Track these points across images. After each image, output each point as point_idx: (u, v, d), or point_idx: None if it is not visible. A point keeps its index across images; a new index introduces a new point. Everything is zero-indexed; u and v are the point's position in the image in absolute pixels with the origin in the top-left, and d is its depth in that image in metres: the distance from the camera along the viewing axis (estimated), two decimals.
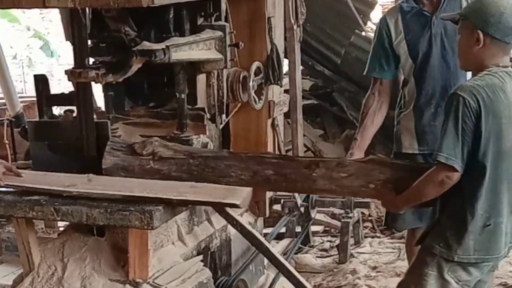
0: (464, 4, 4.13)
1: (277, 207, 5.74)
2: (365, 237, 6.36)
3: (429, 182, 3.16)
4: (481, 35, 3.12)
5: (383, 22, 4.38)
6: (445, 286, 3.23)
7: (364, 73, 4.54)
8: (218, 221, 4.42)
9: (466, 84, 3.13)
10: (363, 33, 8.20)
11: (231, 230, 4.53)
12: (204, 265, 3.99)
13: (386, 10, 10.86)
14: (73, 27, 3.62)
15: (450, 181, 3.09)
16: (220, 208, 3.61)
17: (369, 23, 9.42)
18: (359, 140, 4.37)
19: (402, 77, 4.55)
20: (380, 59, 4.40)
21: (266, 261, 4.92)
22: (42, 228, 5.92)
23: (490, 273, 3.45)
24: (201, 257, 4.08)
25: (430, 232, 3.30)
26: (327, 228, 6.58)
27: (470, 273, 3.24)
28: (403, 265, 5.53)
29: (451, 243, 3.18)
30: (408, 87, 4.42)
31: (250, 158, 3.58)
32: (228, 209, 4.37)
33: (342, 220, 5.85)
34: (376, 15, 9.92)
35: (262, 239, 4.49)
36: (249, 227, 4.41)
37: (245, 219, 4.67)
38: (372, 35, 9.05)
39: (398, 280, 5.20)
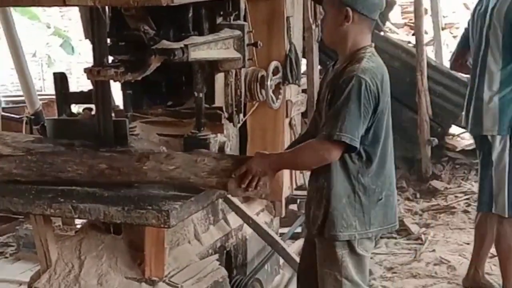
0: None
1: (293, 207, 5.74)
2: (381, 238, 6.33)
3: (315, 153, 3.15)
4: (350, 12, 3.17)
5: None
6: (360, 258, 3.34)
7: None
8: (235, 220, 4.43)
9: (364, 66, 3.12)
10: (382, 33, 8.17)
11: (247, 230, 4.54)
12: (219, 264, 4.00)
13: (406, 10, 10.90)
14: (93, 25, 3.64)
15: (331, 157, 3.13)
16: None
17: (387, 23, 9.39)
18: None
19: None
20: None
21: (281, 260, 4.93)
22: (60, 226, 5.95)
23: None
24: (217, 256, 4.10)
25: (326, 221, 3.29)
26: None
27: (372, 241, 3.40)
28: (419, 266, 5.52)
29: (350, 223, 3.26)
30: None
31: (85, 153, 3.56)
32: (245, 209, 4.40)
33: None
34: (395, 15, 9.91)
35: (278, 238, 4.50)
36: (265, 227, 4.43)
37: (261, 219, 4.68)
38: (390, 35, 9.05)
39: (414, 281, 5.25)
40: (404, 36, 10.20)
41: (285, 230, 5.69)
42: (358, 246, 3.30)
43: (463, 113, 4.75)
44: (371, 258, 5.74)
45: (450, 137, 8.17)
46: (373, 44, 3.28)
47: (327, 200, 3.26)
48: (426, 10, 8.69)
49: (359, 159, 3.20)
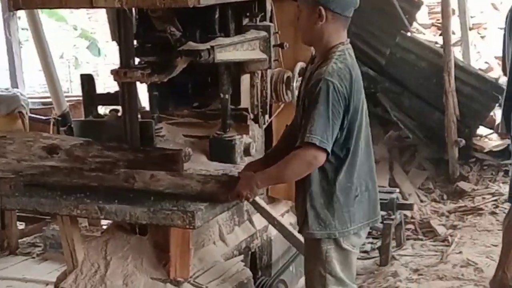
0: None
1: None
2: (407, 239, 6.30)
3: (298, 162, 3.17)
4: (323, 11, 3.20)
5: None
6: (346, 254, 3.37)
7: None
8: (260, 221, 4.43)
9: (333, 68, 3.15)
10: (409, 34, 8.13)
11: (272, 231, 4.53)
12: (244, 265, 4.00)
13: (433, 10, 10.83)
14: (119, 27, 3.66)
15: (318, 162, 3.15)
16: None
17: (414, 24, 9.34)
18: None
19: None
20: None
21: None
22: (86, 226, 5.98)
23: None
24: (241, 257, 4.10)
25: (304, 220, 3.33)
26: (368, 230, 6.54)
27: (359, 236, 3.43)
28: (446, 268, 5.47)
29: (329, 223, 3.29)
30: None
31: (72, 172, 3.55)
32: (270, 210, 4.39)
33: (384, 222, 5.79)
34: (422, 15, 9.84)
35: (303, 240, 4.48)
36: (290, 228, 4.42)
37: (286, 220, 4.67)
38: (417, 35, 9.00)
39: (440, 283, 5.20)
40: (431, 37, 10.13)
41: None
42: (344, 241, 3.33)
43: (501, 114, 4.69)
44: (397, 259, 5.74)
45: (478, 138, 8.10)
46: (347, 41, 3.30)
47: (305, 200, 3.32)
48: (453, 10, 8.61)
49: (335, 159, 3.24)
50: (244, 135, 4.14)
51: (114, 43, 3.95)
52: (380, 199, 5.64)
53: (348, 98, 3.14)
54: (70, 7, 3.65)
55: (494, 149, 7.84)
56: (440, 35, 9.05)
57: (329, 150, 3.13)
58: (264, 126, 4.42)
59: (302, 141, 3.11)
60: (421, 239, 6.28)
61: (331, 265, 3.34)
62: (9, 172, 3.51)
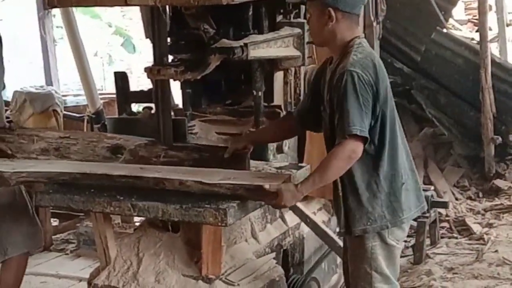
0: None
1: None
2: (442, 237, 6.25)
3: (339, 159, 3.13)
4: (332, 12, 3.23)
5: None
6: (391, 250, 3.36)
7: None
8: (292, 218, 4.41)
9: (353, 59, 3.16)
10: (444, 30, 8.06)
11: (305, 228, 4.52)
12: (276, 263, 3.99)
13: (470, 6, 10.72)
14: (153, 25, 3.67)
15: (358, 153, 3.13)
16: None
17: (450, 20, 9.25)
18: None
19: None
20: None
21: (339, 260, 4.89)
22: (119, 223, 6.02)
23: None
24: (273, 254, 4.08)
25: (350, 221, 3.31)
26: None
27: (404, 229, 3.41)
28: (481, 267, 5.41)
29: (379, 215, 3.26)
30: None
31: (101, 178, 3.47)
32: (303, 207, 4.36)
33: (418, 219, 5.74)
34: (458, 11, 9.75)
35: (335, 237, 4.47)
36: (322, 225, 4.40)
37: (319, 218, 4.65)
38: (453, 31, 8.92)
39: (476, 282, 5.15)
40: (467, 33, 10.04)
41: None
42: (388, 236, 3.31)
43: None
44: (431, 258, 5.69)
45: None
46: (361, 35, 3.33)
47: (348, 197, 3.30)
48: (490, 6, 8.52)
49: (373, 149, 3.23)
50: None
51: (148, 41, 3.96)
52: None
53: (376, 85, 3.15)
54: (104, 5, 3.67)
55: None
56: (476, 31, 8.95)
57: (367, 138, 3.13)
58: None
59: (344, 135, 3.10)
60: (456, 238, 6.23)
61: (377, 262, 3.33)
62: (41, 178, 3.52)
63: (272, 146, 4.00)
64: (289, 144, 4.21)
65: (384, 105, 3.21)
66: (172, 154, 3.69)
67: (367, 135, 3.12)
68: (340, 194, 3.35)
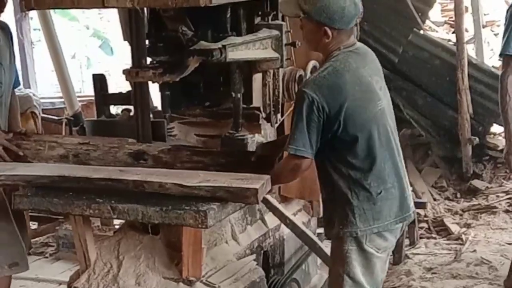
0: None
1: None
2: (420, 238, 6.29)
3: (283, 170, 3.34)
4: (328, 31, 3.25)
5: None
6: (368, 257, 3.35)
7: (507, 53, 4.44)
8: (272, 220, 4.42)
9: (310, 78, 3.29)
10: (422, 32, 8.10)
11: (285, 230, 4.53)
12: (257, 264, 4.00)
13: (446, 8, 10.79)
14: (131, 27, 3.66)
15: (299, 168, 3.26)
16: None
17: (427, 22, 9.30)
18: None
19: None
20: None
21: (319, 261, 4.91)
22: (99, 226, 6.00)
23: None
24: (254, 256, 4.09)
25: (328, 222, 3.42)
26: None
27: (386, 238, 3.38)
28: (460, 267, 5.46)
29: (350, 220, 3.29)
30: None
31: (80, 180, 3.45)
32: (283, 209, 4.38)
33: None
34: (434, 13, 9.80)
35: (315, 238, 4.49)
36: (302, 227, 4.41)
37: (299, 219, 4.67)
38: (430, 33, 8.97)
39: (454, 282, 5.19)
40: (444, 35, 10.10)
41: (322, 230, 5.67)
42: (366, 242, 3.32)
43: None
44: (410, 258, 5.72)
45: (491, 135, 8.07)
46: (351, 43, 3.34)
47: (327, 199, 3.42)
48: (466, 8, 8.59)
49: (347, 159, 3.27)
50: (256, 134, 4.13)
51: (126, 43, 3.95)
52: None
53: (323, 105, 3.16)
54: (82, 7, 3.65)
55: None
56: (453, 32, 9.01)
57: (307, 155, 3.20)
58: (276, 125, 4.42)
59: (285, 150, 3.28)
60: (435, 238, 6.27)
61: (350, 267, 3.34)
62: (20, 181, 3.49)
63: (251, 148, 4.01)
64: None
65: (349, 120, 3.20)
66: (197, 160, 3.65)
67: (304, 154, 3.19)
68: (323, 198, 3.47)
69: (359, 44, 3.41)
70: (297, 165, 3.24)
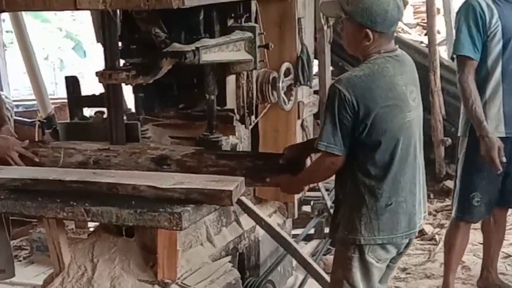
0: None
1: (307, 208, 5.73)
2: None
3: (317, 168, 3.34)
4: (370, 33, 3.19)
5: (476, 3, 4.30)
6: (367, 266, 3.31)
7: (453, 53, 4.45)
8: (247, 222, 4.43)
9: (344, 76, 3.20)
10: (394, 34, 8.14)
11: (260, 231, 4.54)
12: (232, 266, 4.00)
13: (418, 10, 10.85)
14: (104, 29, 3.65)
15: (335, 165, 3.23)
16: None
17: (399, 23, 9.36)
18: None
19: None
20: (475, 40, 4.33)
21: (294, 262, 4.92)
22: (73, 229, 5.97)
23: (398, 261, 3.60)
24: (229, 258, 4.10)
25: (333, 225, 3.39)
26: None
27: (387, 250, 3.33)
28: (434, 267, 5.50)
29: (355, 227, 3.25)
30: (495, 72, 4.38)
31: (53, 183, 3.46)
32: (258, 210, 4.38)
33: None
34: (407, 15, 9.86)
35: (290, 240, 4.49)
36: (277, 228, 4.42)
37: (274, 220, 4.68)
38: (402, 35, 9.02)
39: (428, 282, 5.22)
40: (416, 36, 10.17)
41: (298, 231, 5.68)
42: (368, 252, 3.28)
43: (501, 115, 4.50)
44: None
45: None
46: (382, 51, 3.25)
47: (337, 202, 3.39)
48: (438, 9, 8.65)
49: (364, 164, 3.22)
50: (230, 136, 4.13)
51: (99, 45, 3.93)
52: None
53: (356, 105, 3.11)
54: (54, 9, 3.63)
55: None
56: (425, 34, 9.07)
57: (338, 152, 3.16)
58: (250, 127, 4.42)
59: (316, 147, 3.22)
60: None
61: (350, 273, 3.31)
62: None
63: (226, 149, 4.02)
64: (242, 148, 4.24)
65: (375, 124, 3.15)
66: (222, 163, 3.60)
67: (334, 151, 3.15)
68: (335, 199, 3.45)
69: (399, 51, 3.34)
70: (331, 162, 3.21)
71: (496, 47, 4.32)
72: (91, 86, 4.72)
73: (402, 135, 3.25)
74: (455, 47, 4.41)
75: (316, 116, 5.47)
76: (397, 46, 3.35)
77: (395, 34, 3.33)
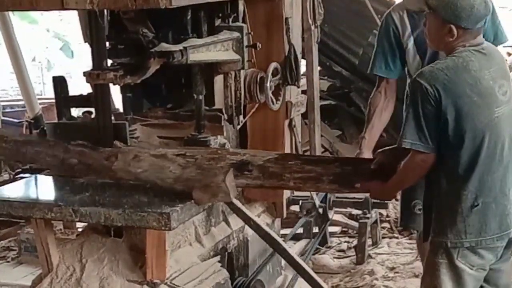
0: None
1: (295, 207, 5.74)
2: (383, 237, 6.33)
3: (407, 169, 3.17)
4: (454, 29, 3.10)
5: (389, 18, 4.13)
6: (459, 273, 3.15)
7: (368, 72, 4.39)
8: (236, 222, 4.43)
9: (426, 69, 3.12)
10: None
11: (249, 231, 4.54)
12: (221, 266, 4.00)
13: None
14: (91, 29, 3.64)
15: (425, 163, 3.09)
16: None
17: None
18: (367, 139, 4.25)
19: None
20: (387, 57, 4.21)
21: (283, 262, 4.92)
22: (61, 229, 5.95)
23: (508, 261, 3.33)
24: (218, 257, 4.09)
25: (427, 228, 3.27)
26: (344, 229, 6.56)
27: (482, 256, 3.16)
28: (421, 266, 5.50)
29: (441, 229, 3.15)
30: None
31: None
32: (246, 210, 4.38)
33: (360, 220, 5.82)
34: None
35: (279, 239, 4.48)
36: (266, 228, 4.41)
37: (263, 220, 4.68)
38: None
39: (416, 280, 5.23)
40: None
41: (286, 231, 5.69)
42: (457, 257, 3.13)
43: None
44: (373, 258, 5.77)
45: None
46: (467, 44, 3.14)
47: (425, 205, 3.32)
48: None
49: (444, 163, 3.11)
50: (219, 136, 4.12)
51: (87, 45, 3.93)
52: (355, 198, 5.77)
53: (438, 100, 3.02)
54: (41, 9, 3.62)
55: None
56: None
57: (425, 149, 3.05)
58: (239, 127, 4.43)
59: (399, 146, 3.12)
60: (397, 237, 6.31)
61: (439, 280, 3.16)
62: None
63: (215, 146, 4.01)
64: (230, 147, 4.24)
65: (459, 120, 3.04)
66: (308, 169, 3.47)
67: (419, 148, 3.05)
68: (423, 202, 3.38)
69: (486, 44, 3.20)
70: (422, 160, 3.08)
71: (414, 61, 4.22)
72: (79, 86, 4.72)
73: (489, 132, 3.08)
74: (370, 66, 4.37)
75: (304, 115, 5.48)
76: (483, 39, 3.21)
77: (482, 31, 3.20)
